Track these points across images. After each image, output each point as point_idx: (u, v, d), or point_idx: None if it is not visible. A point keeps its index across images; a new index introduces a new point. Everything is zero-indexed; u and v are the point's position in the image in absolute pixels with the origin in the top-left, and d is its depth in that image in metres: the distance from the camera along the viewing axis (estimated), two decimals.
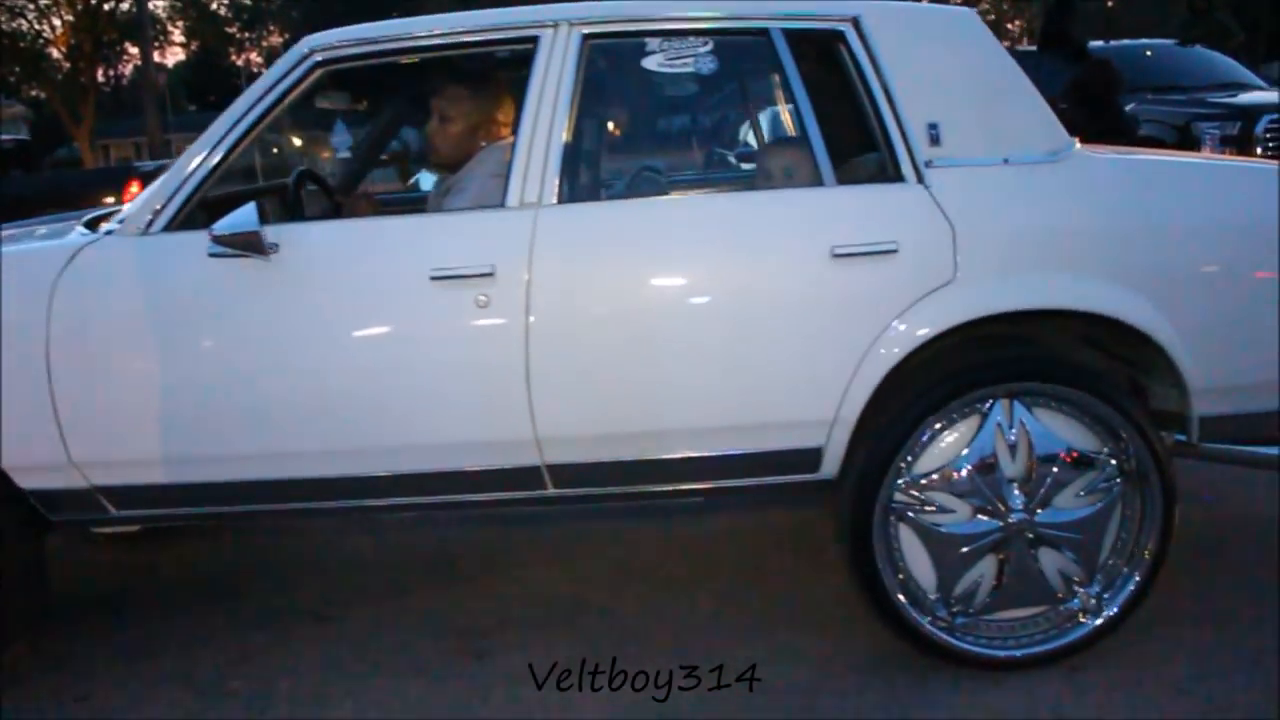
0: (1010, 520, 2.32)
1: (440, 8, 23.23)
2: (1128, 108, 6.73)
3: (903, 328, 2.28)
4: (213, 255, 2.27)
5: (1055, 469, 2.32)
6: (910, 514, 2.34)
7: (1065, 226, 2.32)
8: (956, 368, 2.31)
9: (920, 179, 2.30)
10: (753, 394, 2.33)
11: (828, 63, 2.42)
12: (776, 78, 2.33)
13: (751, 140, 2.86)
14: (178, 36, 35.15)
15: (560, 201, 2.33)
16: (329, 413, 2.33)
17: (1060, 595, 2.38)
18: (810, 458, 2.38)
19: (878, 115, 2.33)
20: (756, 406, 2.34)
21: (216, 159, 2.37)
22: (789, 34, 2.39)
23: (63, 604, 2.86)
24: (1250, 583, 2.73)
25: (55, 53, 25.56)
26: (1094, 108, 6.24)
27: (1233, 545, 2.96)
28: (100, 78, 31.33)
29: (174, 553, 3.34)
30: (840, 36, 2.38)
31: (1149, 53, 7.77)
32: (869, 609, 2.39)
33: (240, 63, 44.91)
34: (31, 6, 24.08)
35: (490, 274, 2.27)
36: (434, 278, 2.27)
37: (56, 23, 24.53)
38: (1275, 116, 6.36)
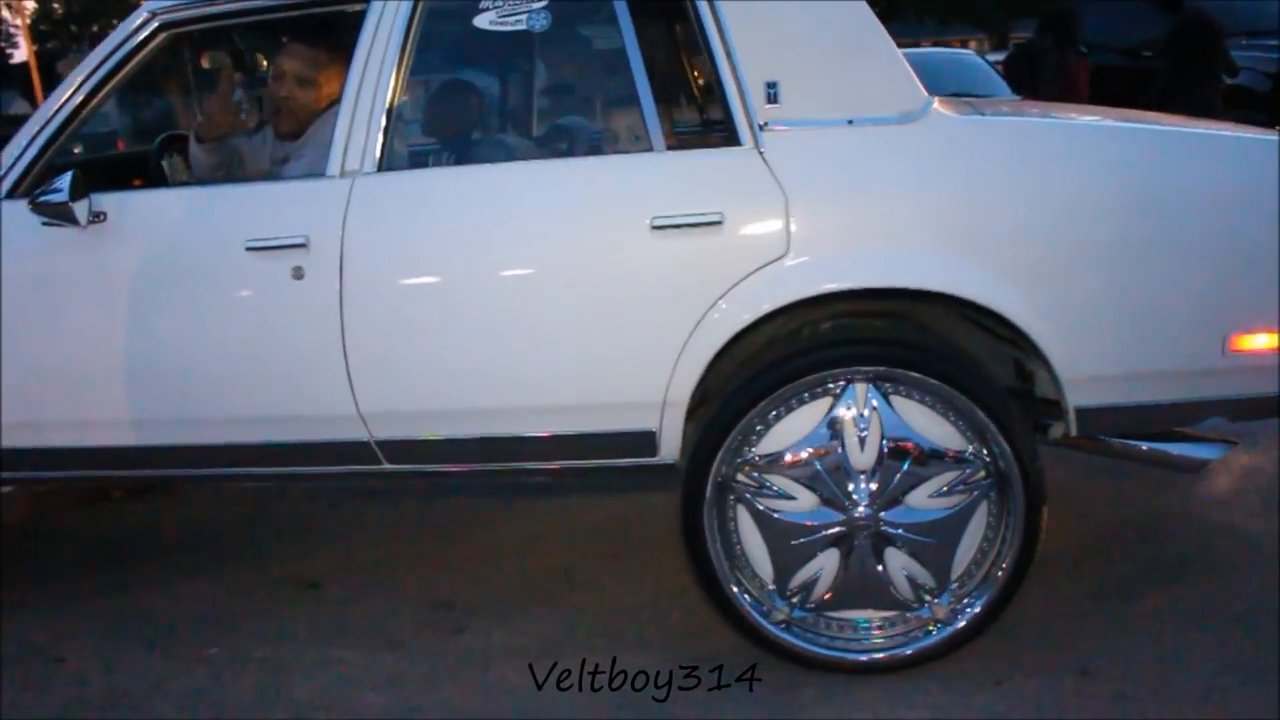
0: (854, 515, 2.14)
1: None
2: None
3: (726, 307, 2.10)
4: (45, 224, 2.27)
5: (907, 464, 2.12)
6: (748, 496, 2.18)
7: (913, 196, 2.09)
8: (793, 350, 2.12)
9: (756, 143, 2.11)
10: (580, 373, 2.22)
11: (669, 17, 2.23)
12: (612, 35, 2.16)
13: (586, 104, 2.68)
14: None
15: (381, 170, 2.24)
16: (155, 382, 2.33)
17: (907, 600, 2.18)
18: (646, 440, 2.24)
19: (715, 72, 2.14)
20: (585, 386, 2.22)
21: (58, 124, 2.37)
22: None
23: (44, 567, 2.96)
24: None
25: None
26: (1197, 62, 5.79)
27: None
28: None
29: (171, 515, 3.37)
30: None
31: None
32: (706, 602, 2.25)
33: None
34: None
35: (304, 245, 2.21)
36: (249, 248, 2.23)
37: None
38: None
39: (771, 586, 2.21)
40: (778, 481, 2.16)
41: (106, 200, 2.29)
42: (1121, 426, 2.18)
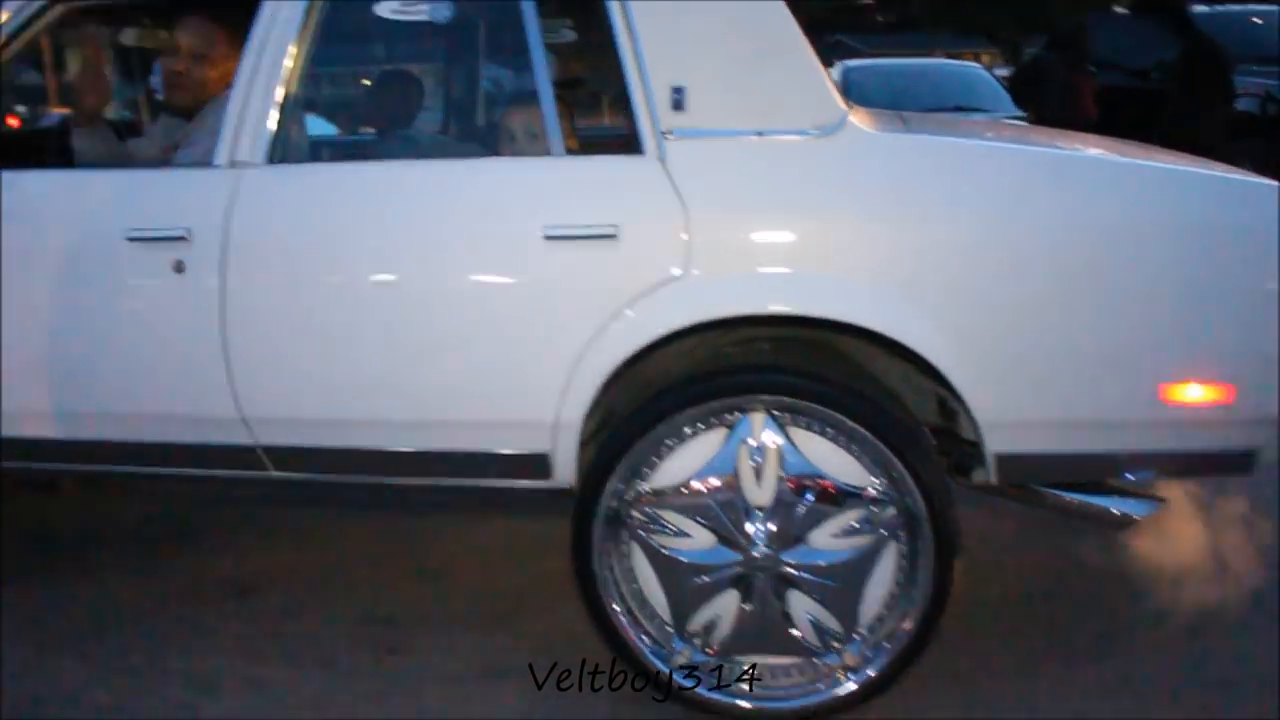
0: (753, 554, 1.99)
1: None
2: None
3: (620, 327, 1.96)
4: None
5: (809, 502, 1.97)
6: (641, 533, 2.04)
7: (822, 216, 1.94)
8: (685, 376, 1.99)
9: (659, 152, 1.97)
10: (469, 388, 2.08)
11: (580, 14, 2.10)
12: (516, 30, 2.03)
13: (488, 102, 2.55)
14: None
15: (272, 162, 2.12)
16: (34, 372, 2.21)
17: (812, 646, 2.03)
18: (539, 462, 2.11)
19: (621, 74, 2.00)
20: (473, 403, 2.09)
21: None
22: None
23: None
24: None
25: None
26: (1205, 87, 5.64)
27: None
28: None
29: (121, 508, 3.23)
30: None
31: (1256, 20, 6.90)
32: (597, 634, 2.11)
33: None
34: None
35: (185, 238, 2.09)
36: (130, 239, 2.11)
37: None
38: None
39: (669, 627, 2.06)
40: (671, 518, 2.01)
41: None
42: (1047, 475, 2.03)
